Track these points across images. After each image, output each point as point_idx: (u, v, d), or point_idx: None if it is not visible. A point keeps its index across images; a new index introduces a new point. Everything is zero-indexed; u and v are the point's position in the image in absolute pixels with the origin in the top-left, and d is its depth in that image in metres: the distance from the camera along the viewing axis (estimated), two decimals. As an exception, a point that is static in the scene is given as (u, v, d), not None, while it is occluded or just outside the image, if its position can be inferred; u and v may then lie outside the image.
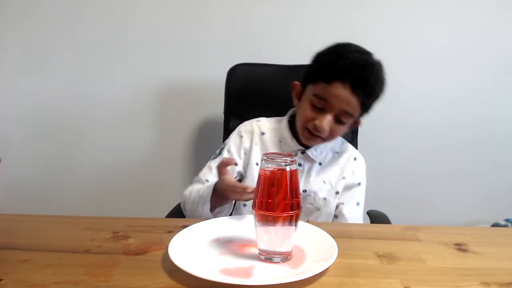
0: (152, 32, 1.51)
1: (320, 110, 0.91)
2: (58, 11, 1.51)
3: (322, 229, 0.69)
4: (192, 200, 0.92)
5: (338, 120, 0.92)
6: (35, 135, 1.60)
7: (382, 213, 1.10)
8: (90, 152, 1.61)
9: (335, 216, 1.04)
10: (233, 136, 1.08)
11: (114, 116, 1.58)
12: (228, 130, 1.27)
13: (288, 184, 0.58)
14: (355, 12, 1.47)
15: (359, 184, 1.05)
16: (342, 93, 0.88)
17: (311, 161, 1.02)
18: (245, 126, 1.08)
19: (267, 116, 1.14)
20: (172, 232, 0.70)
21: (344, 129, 0.96)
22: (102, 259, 0.61)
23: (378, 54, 1.47)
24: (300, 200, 0.60)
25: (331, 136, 0.95)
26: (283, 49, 1.48)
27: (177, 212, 1.08)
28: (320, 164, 1.03)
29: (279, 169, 0.59)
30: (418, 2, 1.47)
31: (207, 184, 0.96)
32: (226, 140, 1.09)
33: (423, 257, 0.64)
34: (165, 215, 1.03)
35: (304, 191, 1.00)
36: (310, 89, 0.94)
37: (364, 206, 1.07)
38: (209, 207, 0.85)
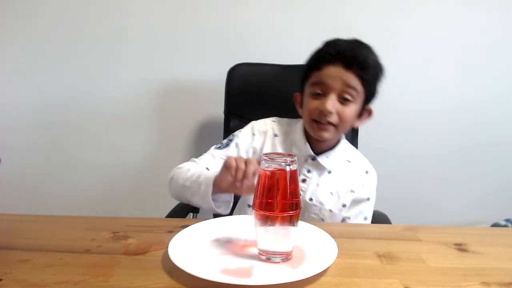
0: (152, 32, 1.51)
1: (321, 96, 0.91)
2: (58, 11, 1.51)
3: (322, 229, 0.69)
4: (190, 176, 0.89)
5: (342, 101, 0.90)
6: (35, 135, 1.60)
7: (382, 213, 1.10)
8: (90, 152, 1.61)
9: None
10: (245, 131, 1.05)
11: (114, 116, 1.58)
12: (228, 130, 1.27)
13: (288, 184, 0.58)
14: (355, 12, 1.47)
15: (368, 199, 1.02)
16: (335, 72, 0.88)
17: (321, 169, 0.99)
18: (259, 125, 1.05)
19: (268, 116, 1.12)
20: (172, 232, 0.70)
21: (351, 110, 0.91)
22: (102, 259, 0.61)
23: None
24: (300, 200, 0.60)
25: (341, 121, 0.91)
26: (283, 49, 1.48)
27: (177, 212, 1.08)
28: (329, 172, 1.00)
29: (279, 169, 0.58)
30: (418, 3, 1.47)
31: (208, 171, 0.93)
32: (237, 132, 1.05)
33: (423, 257, 0.64)
34: (165, 215, 1.03)
35: (311, 199, 0.98)
36: (307, 85, 0.95)
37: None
38: (211, 189, 0.82)
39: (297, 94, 1.02)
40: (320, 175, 0.99)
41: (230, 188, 0.80)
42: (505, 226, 1.43)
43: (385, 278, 0.56)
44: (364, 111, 0.97)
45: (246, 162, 0.77)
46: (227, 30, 1.50)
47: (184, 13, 1.50)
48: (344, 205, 1.00)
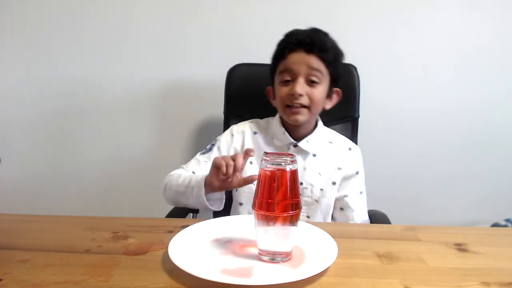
0: (152, 32, 1.51)
1: (290, 82, 0.98)
2: (58, 10, 1.51)
3: (322, 229, 0.69)
4: (182, 182, 0.95)
5: (309, 83, 0.97)
6: (35, 135, 1.60)
7: (382, 213, 1.10)
8: (90, 153, 1.61)
9: (341, 209, 1.05)
10: (225, 134, 1.12)
11: (114, 116, 1.58)
12: (228, 130, 1.27)
13: (288, 184, 0.58)
14: (354, 12, 1.47)
15: (357, 173, 1.07)
16: (299, 58, 0.97)
17: (305, 153, 1.05)
18: (238, 126, 1.12)
19: (268, 116, 1.14)
20: (172, 232, 0.70)
21: (320, 91, 0.98)
22: (102, 259, 0.61)
23: (376, 55, 1.48)
24: (300, 200, 0.60)
25: (312, 102, 0.98)
26: (283, 49, 1.48)
27: (177, 212, 1.08)
28: (314, 155, 1.05)
29: (279, 169, 0.58)
30: (418, 3, 1.47)
31: (198, 174, 0.99)
32: (218, 137, 1.12)
33: (423, 257, 0.64)
34: (165, 215, 1.03)
35: (301, 183, 1.02)
36: (276, 76, 1.02)
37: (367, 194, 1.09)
38: (203, 191, 0.89)
39: (269, 88, 1.09)
40: (304, 159, 1.05)
41: (222, 185, 0.87)
42: (505, 226, 1.43)
43: (385, 278, 0.56)
44: (333, 93, 1.04)
45: (233, 157, 0.84)
46: (227, 30, 1.50)
47: (184, 13, 1.50)
48: (334, 183, 1.04)
